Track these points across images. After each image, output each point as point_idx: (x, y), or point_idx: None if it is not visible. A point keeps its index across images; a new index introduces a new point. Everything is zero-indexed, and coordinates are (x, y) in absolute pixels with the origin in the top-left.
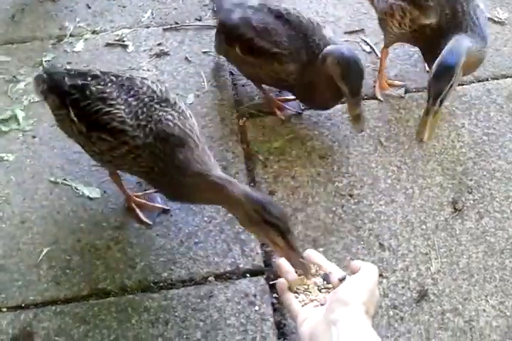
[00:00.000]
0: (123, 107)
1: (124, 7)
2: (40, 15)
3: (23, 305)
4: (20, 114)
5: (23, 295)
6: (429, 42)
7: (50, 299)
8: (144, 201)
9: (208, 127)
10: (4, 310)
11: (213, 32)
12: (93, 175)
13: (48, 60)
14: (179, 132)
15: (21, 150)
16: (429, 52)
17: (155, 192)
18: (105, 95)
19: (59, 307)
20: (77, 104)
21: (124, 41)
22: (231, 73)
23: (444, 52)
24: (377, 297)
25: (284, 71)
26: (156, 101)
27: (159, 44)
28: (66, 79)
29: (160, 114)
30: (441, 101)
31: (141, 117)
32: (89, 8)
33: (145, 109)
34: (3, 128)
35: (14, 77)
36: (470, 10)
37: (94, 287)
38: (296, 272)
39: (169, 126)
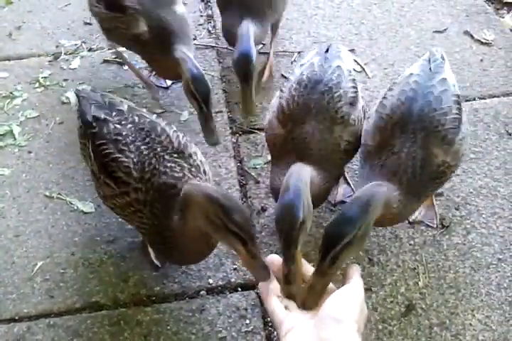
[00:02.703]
0: (132, 156)
1: None
2: (37, 33)
3: (16, 317)
4: (17, 130)
5: (17, 307)
6: None
7: (44, 312)
8: None
9: (201, 143)
10: None
11: (208, 51)
12: (87, 189)
13: (45, 77)
14: (182, 184)
15: (17, 165)
16: None
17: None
18: (120, 138)
19: (52, 320)
20: (94, 140)
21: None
22: (224, 91)
23: (352, 199)
24: (365, 313)
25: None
26: (168, 151)
27: None
28: (92, 108)
29: (168, 165)
30: (334, 261)
31: (146, 169)
32: (86, 25)
33: (153, 160)
34: (0, 144)
35: (11, 93)
36: None
37: (87, 300)
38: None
39: (174, 176)
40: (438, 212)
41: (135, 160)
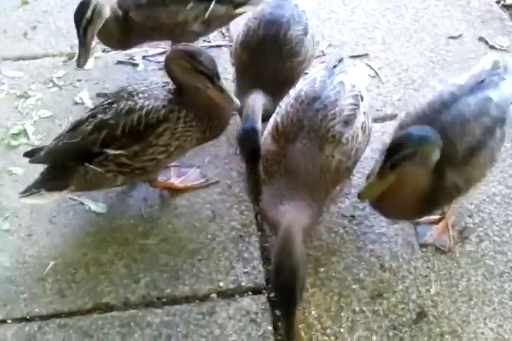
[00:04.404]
0: (148, 102)
1: None
2: (52, 33)
3: (28, 317)
4: (30, 129)
5: (29, 307)
6: None
7: (55, 312)
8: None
9: (214, 146)
10: (9, 321)
11: (221, 52)
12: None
13: (59, 77)
14: None
15: (30, 165)
16: None
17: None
18: (132, 105)
19: (63, 320)
20: (113, 136)
21: (134, 60)
22: None
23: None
24: None
25: None
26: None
27: None
28: (68, 135)
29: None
30: (393, 165)
31: (162, 97)
32: None
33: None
34: (13, 143)
35: (25, 92)
36: None
37: (98, 301)
38: None
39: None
40: (452, 236)
41: (152, 101)
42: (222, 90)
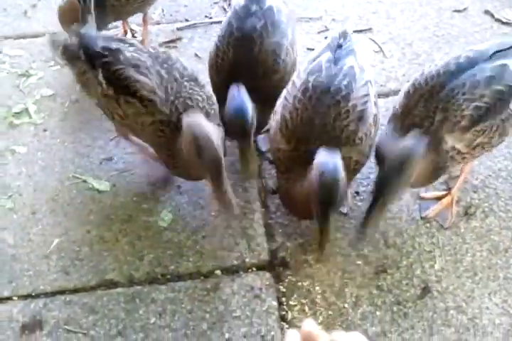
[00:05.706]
0: (154, 78)
1: None
2: (52, 11)
3: (33, 294)
4: (32, 108)
5: (34, 284)
6: None
7: (60, 289)
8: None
9: None
10: (15, 298)
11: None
12: (103, 168)
13: None
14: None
15: (33, 143)
16: None
17: None
18: (139, 62)
19: (68, 296)
20: (108, 67)
21: (135, 37)
22: None
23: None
24: None
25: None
26: (186, 78)
27: (169, 40)
28: (99, 41)
29: (190, 91)
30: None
31: (170, 92)
32: None
33: (175, 84)
34: (16, 122)
35: (26, 71)
36: None
37: (102, 278)
38: None
39: (196, 108)
40: (455, 213)
41: (157, 81)
42: (219, 190)
